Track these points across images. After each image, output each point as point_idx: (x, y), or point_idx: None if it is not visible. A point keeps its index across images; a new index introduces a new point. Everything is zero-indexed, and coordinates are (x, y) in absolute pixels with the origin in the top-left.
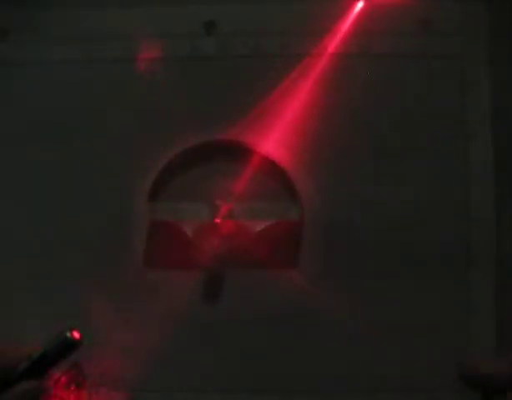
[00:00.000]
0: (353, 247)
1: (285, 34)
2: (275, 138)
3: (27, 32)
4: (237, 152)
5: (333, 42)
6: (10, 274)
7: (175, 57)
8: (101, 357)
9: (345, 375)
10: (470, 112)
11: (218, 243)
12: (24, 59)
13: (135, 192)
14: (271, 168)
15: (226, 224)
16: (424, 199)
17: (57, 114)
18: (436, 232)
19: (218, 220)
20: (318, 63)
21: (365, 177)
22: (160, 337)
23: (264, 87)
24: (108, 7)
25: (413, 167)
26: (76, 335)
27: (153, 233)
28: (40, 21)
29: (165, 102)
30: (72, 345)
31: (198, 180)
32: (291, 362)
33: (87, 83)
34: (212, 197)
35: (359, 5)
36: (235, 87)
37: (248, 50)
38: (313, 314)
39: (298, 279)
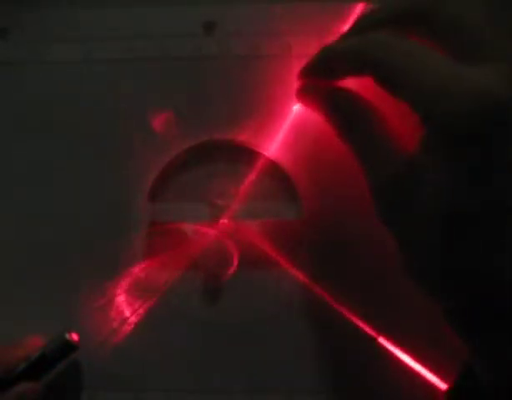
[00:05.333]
0: (353, 247)
1: (286, 35)
2: (275, 139)
3: (27, 32)
4: (237, 153)
5: None
6: (10, 274)
7: (175, 57)
8: (101, 357)
9: (346, 375)
10: None
11: (218, 243)
12: (24, 59)
13: (135, 192)
14: (271, 168)
15: (226, 224)
16: None
17: (57, 114)
18: None
19: (218, 220)
20: None
21: None
22: (160, 337)
23: (265, 87)
24: (108, 7)
25: None
26: (74, 337)
27: (153, 233)
28: (40, 21)
29: (165, 102)
30: (70, 347)
31: (198, 180)
32: (291, 362)
33: (87, 83)
34: (212, 197)
35: (360, 5)
36: (235, 88)
37: (248, 50)
38: (313, 314)
39: (298, 279)
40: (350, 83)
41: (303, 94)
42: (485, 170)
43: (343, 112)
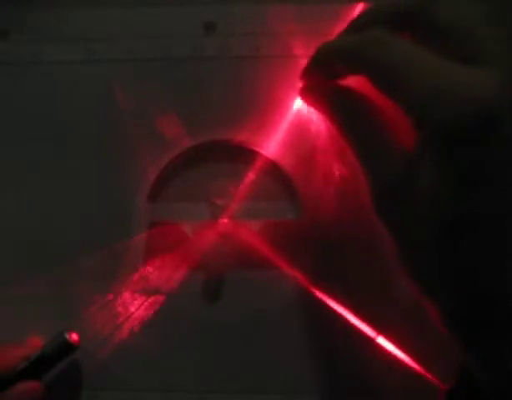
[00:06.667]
0: (352, 247)
1: (286, 35)
2: (275, 138)
3: (27, 32)
4: (237, 153)
5: None
6: (9, 274)
7: (175, 57)
8: (101, 357)
9: (346, 375)
10: None
11: (218, 243)
12: (24, 59)
13: (135, 192)
14: (271, 168)
15: (226, 224)
16: None
17: (57, 114)
18: None
19: (218, 220)
20: None
21: None
22: (160, 337)
23: (264, 87)
24: (108, 7)
25: None
26: (74, 337)
27: (153, 233)
28: (40, 21)
29: (165, 102)
30: (70, 347)
31: (198, 180)
32: (291, 362)
33: (88, 83)
34: (212, 197)
35: (360, 5)
36: (235, 88)
37: (248, 50)
38: (313, 314)
39: (298, 279)
40: (352, 82)
41: (306, 94)
42: (479, 173)
43: (344, 111)
